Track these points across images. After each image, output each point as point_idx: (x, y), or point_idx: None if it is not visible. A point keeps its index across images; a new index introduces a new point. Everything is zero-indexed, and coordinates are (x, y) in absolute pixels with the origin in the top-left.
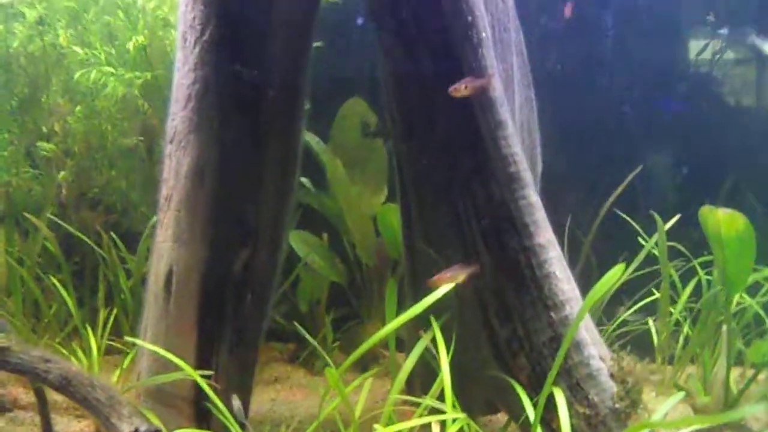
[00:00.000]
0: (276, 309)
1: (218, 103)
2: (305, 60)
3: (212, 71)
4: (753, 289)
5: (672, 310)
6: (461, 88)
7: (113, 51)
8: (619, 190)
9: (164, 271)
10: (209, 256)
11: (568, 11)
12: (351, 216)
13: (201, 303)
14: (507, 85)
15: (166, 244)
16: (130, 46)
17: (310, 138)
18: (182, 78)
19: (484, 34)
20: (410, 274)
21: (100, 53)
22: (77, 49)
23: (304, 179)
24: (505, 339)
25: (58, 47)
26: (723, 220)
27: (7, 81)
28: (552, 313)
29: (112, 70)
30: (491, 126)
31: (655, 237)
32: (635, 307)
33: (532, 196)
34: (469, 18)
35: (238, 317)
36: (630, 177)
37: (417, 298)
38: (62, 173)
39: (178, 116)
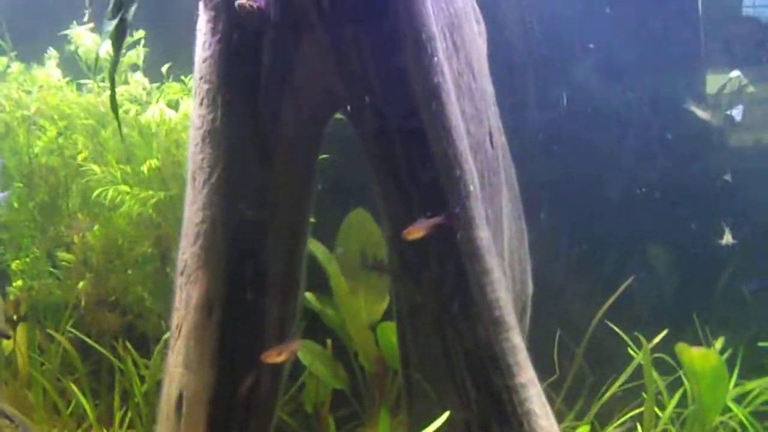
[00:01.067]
0: (283, 408)
1: (225, 243)
2: (309, 190)
3: (219, 212)
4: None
5: (660, 413)
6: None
7: (129, 169)
8: (611, 300)
9: (175, 395)
10: (216, 382)
11: None
12: (353, 327)
13: (209, 425)
14: (495, 227)
15: (177, 370)
16: (145, 168)
17: (316, 248)
18: (191, 215)
19: (471, 187)
20: (407, 393)
21: (116, 171)
22: (95, 167)
23: (308, 294)
24: None
25: (77, 160)
26: (696, 357)
27: (29, 190)
28: None
29: (127, 189)
30: (478, 273)
31: (642, 355)
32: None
33: (515, 338)
34: (458, 172)
35: None
36: (623, 287)
37: (412, 419)
38: (81, 283)
39: (188, 251)
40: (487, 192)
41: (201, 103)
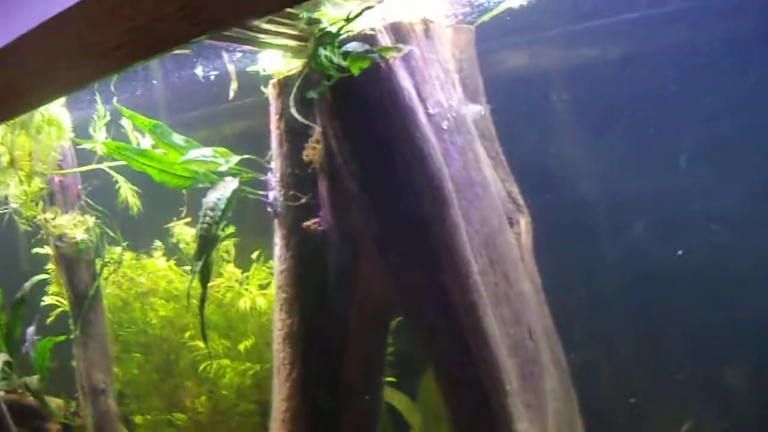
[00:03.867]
0: None
1: (305, 429)
2: (378, 379)
3: (299, 403)
4: None
5: None
6: None
7: (229, 344)
8: None
9: None
10: None
11: None
12: None
13: None
14: (538, 410)
15: None
16: (242, 347)
17: (399, 399)
18: (278, 404)
19: (508, 387)
20: None
21: (218, 346)
22: (199, 343)
23: None
24: None
25: (185, 332)
26: None
27: (146, 357)
28: None
29: (228, 362)
30: None
31: None
32: None
33: None
34: (496, 374)
35: None
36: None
37: None
38: None
39: None
40: (528, 382)
41: (281, 309)
